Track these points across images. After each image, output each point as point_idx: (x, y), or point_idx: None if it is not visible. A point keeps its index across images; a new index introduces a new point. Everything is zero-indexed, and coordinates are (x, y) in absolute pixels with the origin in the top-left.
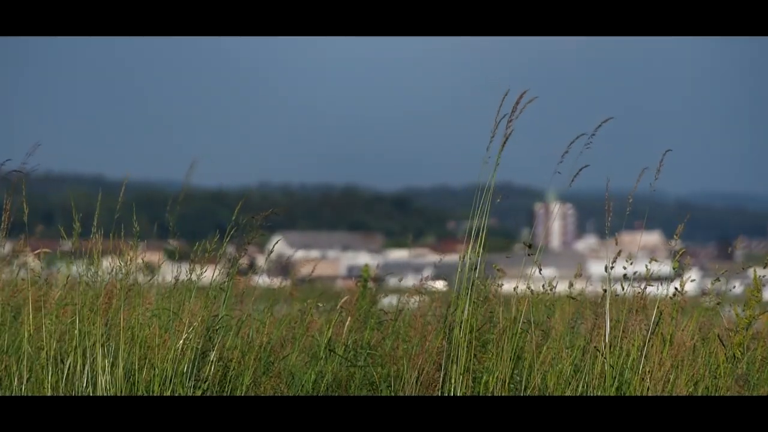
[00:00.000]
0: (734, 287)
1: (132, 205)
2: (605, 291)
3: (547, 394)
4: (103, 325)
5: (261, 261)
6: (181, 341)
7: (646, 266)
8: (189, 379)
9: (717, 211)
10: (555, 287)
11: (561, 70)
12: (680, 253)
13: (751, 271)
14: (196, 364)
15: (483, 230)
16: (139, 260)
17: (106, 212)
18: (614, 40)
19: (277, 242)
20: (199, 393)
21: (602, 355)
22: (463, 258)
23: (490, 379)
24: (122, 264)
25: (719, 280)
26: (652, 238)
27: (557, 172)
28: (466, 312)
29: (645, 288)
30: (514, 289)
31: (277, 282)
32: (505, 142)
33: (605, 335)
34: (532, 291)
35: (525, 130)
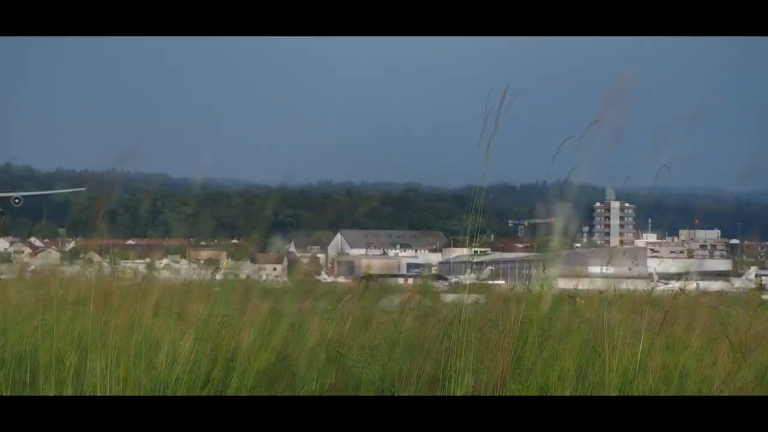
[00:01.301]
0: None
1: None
2: (601, 293)
3: (548, 394)
4: (104, 324)
5: (322, 259)
6: (188, 341)
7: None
8: (195, 380)
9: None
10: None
11: (611, 69)
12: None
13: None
14: (200, 364)
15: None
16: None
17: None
18: (653, 39)
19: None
20: (203, 393)
21: (600, 356)
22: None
23: (489, 377)
24: (134, 262)
25: (751, 279)
26: (711, 235)
27: (565, 167)
28: (465, 312)
29: (652, 288)
30: (511, 289)
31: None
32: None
33: (605, 336)
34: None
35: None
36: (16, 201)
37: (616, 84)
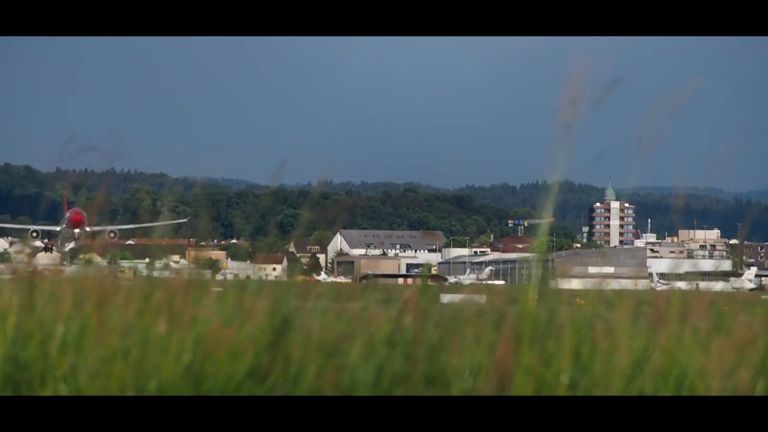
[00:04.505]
0: None
1: (193, 201)
2: (600, 292)
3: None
4: (166, 320)
5: (322, 259)
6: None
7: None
8: (252, 377)
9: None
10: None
11: (625, 70)
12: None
13: None
14: (260, 359)
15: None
16: (202, 257)
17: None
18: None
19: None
20: (263, 390)
21: (599, 356)
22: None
23: (549, 374)
24: (187, 261)
25: None
26: (711, 235)
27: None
28: (464, 312)
29: (698, 284)
30: (510, 288)
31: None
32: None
33: (604, 335)
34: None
35: (586, 128)
36: (112, 234)
37: (577, 74)
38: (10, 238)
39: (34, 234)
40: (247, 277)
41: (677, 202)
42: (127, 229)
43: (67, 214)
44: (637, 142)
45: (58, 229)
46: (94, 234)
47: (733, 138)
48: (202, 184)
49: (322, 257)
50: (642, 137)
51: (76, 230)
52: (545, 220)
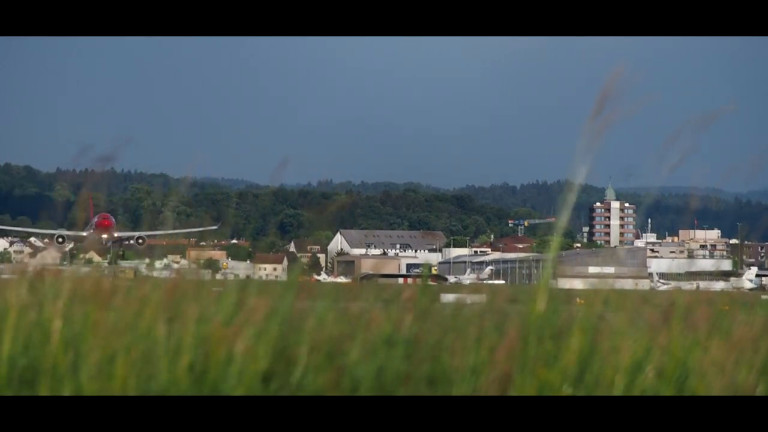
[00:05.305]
0: None
1: (194, 201)
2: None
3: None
4: (166, 320)
5: (322, 259)
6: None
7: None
8: (252, 377)
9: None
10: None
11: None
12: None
13: None
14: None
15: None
16: (203, 257)
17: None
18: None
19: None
20: (264, 390)
21: (600, 356)
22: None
23: (553, 374)
24: (187, 260)
25: None
26: (711, 235)
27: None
28: (465, 311)
29: (698, 285)
30: (511, 288)
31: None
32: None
33: (605, 335)
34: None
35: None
36: (140, 241)
37: (611, 81)
38: (9, 238)
39: (60, 239)
40: (248, 276)
41: (691, 203)
42: (153, 236)
43: (95, 219)
44: (661, 159)
45: (84, 234)
46: (121, 240)
47: (762, 141)
48: (197, 184)
49: (322, 257)
50: (667, 154)
51: (104, 236)
52: (549, 219)
